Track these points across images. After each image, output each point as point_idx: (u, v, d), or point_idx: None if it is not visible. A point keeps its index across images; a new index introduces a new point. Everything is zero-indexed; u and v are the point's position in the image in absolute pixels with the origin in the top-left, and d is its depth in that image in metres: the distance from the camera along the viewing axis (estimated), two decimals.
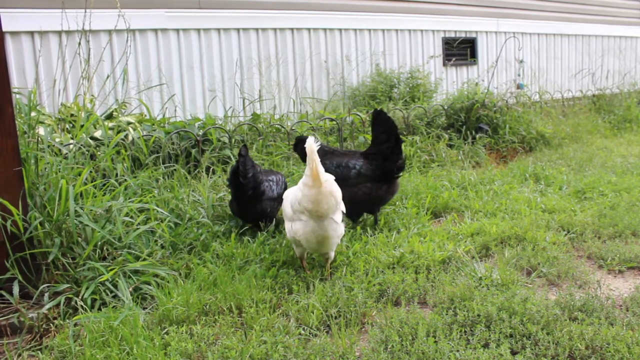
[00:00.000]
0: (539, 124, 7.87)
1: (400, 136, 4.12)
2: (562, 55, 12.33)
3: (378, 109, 4.19)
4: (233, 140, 5.53)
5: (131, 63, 6.60)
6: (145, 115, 5.79)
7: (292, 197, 3.24)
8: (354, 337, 2.57)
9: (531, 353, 2.35)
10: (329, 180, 3.06)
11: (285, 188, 4.26)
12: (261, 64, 7.81)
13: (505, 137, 7.32)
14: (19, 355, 2.59)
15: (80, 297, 2.86)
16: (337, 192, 3.12)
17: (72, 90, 6.03)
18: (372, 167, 4.07)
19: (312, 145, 2.93)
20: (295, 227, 3.17)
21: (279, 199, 4.15)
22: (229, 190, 4.21)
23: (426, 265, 3.32)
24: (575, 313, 2.65)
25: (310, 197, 3.02)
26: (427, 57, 9.73)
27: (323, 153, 4.11)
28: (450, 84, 9.98)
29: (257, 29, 7.79)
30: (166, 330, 2.67)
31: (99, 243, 3.21)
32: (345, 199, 3.30)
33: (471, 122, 7.30)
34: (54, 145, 3.99)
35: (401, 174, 4.20)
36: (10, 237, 2.95)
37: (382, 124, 4.11)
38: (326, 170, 3.14)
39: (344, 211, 3.31)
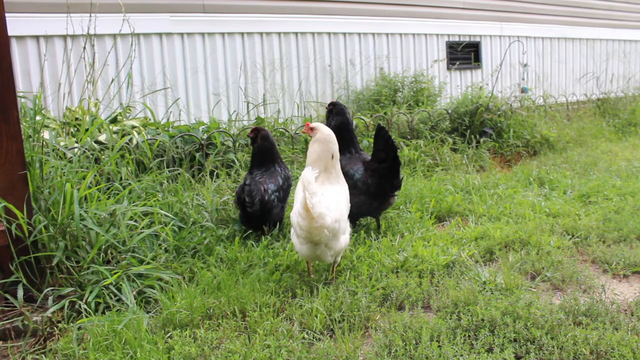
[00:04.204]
0: (543, 127, 7.85)
1: (402, 146, 4.01)
2: (567, 59, 12.31)
3: (381, 124, 3.98)
4: (237, 144, 5.54)
5: (136, 67, 6.62)
6: (150, 119, 5.81)
7: (292, 214, 3.07)
8: (358, 341, 2.56)
9: (535, 358, 2.35)
10: (322, 214, 2.83)
11: (289, 186, 4.24)
12: (265, 68, 7.83)
13: (510, 141, 7.31)
14: (23, 358, 2.59)
15: (84, 301, 2.87)
16: (332, 223, 2.90)
17: (77, 94, 6.06)
18: (368, 183, 3.97)
19: (306, 177, 2.76)
20: (294, 239, 3.13)
21: (285, 202, 4.15)
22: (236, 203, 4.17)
23: (430, 269, 3.31)
24: (580, 318, 2.64)
25: (303, 228, 2.90)
26: (431, 61, 9.73)
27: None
28: (454, 87, 9.98)
29: (261, 33, 7.82)
30: (170, 334, 2.67)
31: (103, 247, 3.22)
32: None
33: (475, 126, 7.30)
34: (58, 149, 4.00)
35: (397, 192, 4.11)
36: (14, 240, 2.96)
37: (381, 141, 3.94)
38: None
39: (347, 233, 3.19)
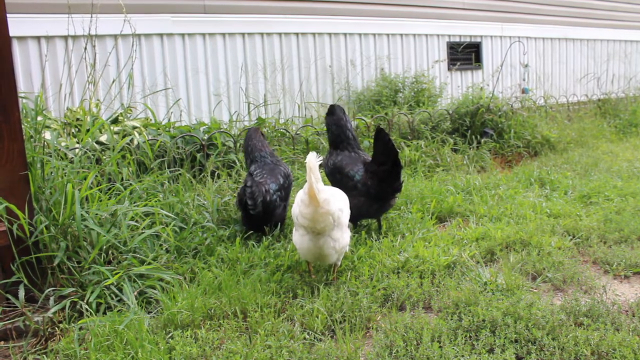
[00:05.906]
0: (544, 128, 7.85)
1: (402, 147, 3.97)
2: (567, 60, 12.31)
3: (381, 126, 3.92)
4: (238, 144, 5.54)
5: (137, 67, 6.63)
6: (151, 120, 5.82)
7: (295, 206, 3.12)
8: (359, 342, 2.56)
9: (536, 358, 2.35)
10: (327, 199, 2.86)
11: (290, 185, 4.23)
12: (266, 68, 7.83)
13: (511, 142, 7.31)
14: (25, 358, 2.60)
15: (85, 301, 2.87)
16: (337, 210, 2.95)
17: (78, 95, 6.07)
18: (368, 185, 3.92)
19: (311, 162, 2.75)
20: (295, 238, 3.14)
21: (287, 201, 4.14)
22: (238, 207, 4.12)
23: (431, 270, 3.31)
24: (581, 318, 2.63)
25: (306, 215, 2.91)
26: (432, 62, 9.73)
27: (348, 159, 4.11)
28: (455, 88, 9.98)
29: (262, 34, 7.82)
30: (171, 334, 2.67)
31: (104, 247, 3.22)
32: None
33: (476, 126, 7.30)
34: (59, 150, 4.01)
35: (397, 195, 4.05)
36: (16, 240, 2.96)
37: (381, 144, 3.85)
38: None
39: (348, 225, 3.19)
